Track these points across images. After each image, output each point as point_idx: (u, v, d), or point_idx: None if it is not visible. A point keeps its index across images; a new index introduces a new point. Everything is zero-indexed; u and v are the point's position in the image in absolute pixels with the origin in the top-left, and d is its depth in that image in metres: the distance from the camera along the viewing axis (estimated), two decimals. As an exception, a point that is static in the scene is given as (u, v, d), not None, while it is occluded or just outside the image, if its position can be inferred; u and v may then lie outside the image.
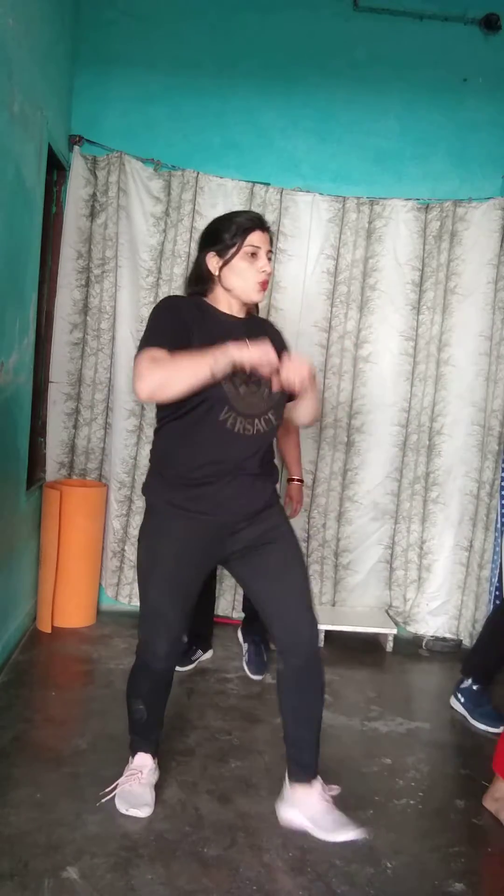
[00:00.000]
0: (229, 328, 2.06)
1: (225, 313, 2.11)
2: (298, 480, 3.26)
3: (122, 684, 3.03)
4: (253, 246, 2.06)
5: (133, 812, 2.19)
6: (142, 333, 3.87)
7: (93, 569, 3.73)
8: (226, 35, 3.79)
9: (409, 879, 2.05)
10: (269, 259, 2.12)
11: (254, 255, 2.07)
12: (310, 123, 3.86)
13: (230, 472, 2.06)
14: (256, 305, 2.48)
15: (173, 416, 2.06)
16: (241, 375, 1.98)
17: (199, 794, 2.36)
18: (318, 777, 2.23)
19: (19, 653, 3.29)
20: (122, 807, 2.20)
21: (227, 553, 2.17)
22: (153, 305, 3.69)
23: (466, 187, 3.86)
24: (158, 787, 2.35)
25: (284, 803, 2.24)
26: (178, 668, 3.07)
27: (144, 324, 3.97)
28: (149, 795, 2.25)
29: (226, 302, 2.12)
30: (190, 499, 2.07)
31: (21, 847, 2.02)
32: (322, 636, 3.71)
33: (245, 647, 3.41)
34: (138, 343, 2.04)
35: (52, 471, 3.82)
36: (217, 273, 2.08)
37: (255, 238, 2.07)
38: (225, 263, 2.07)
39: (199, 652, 3.36)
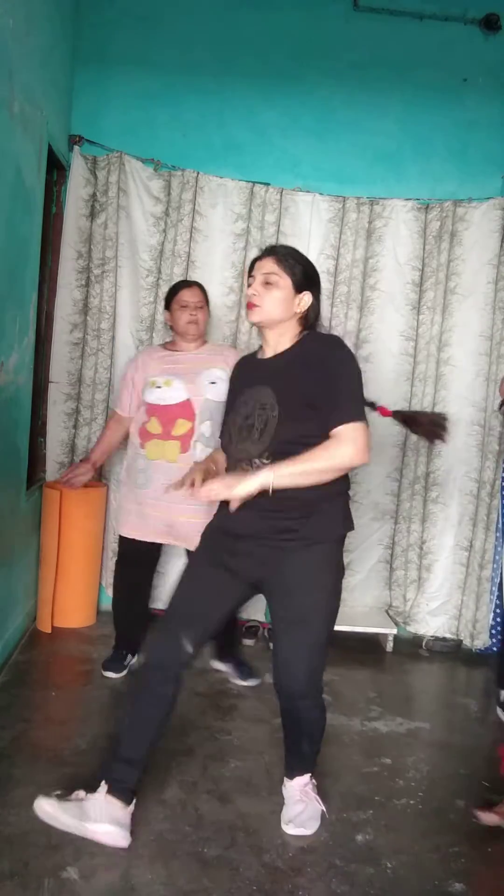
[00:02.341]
0: (252, 374, 2.22)
1: (256, 358, 2.28)
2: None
3: (122, 684, 3.06)
4: (250, 276, 2.17)
5: (86, 832, 2.03)
6: (142, 334, 3.89)
7: (93, 569, 3.73)
8: (226, 35, 3.79)
9: (409, 879, 2.06)
10: (273, 283, 2.12)
11: (249, 284, 2.17)
12: (310, 123, 3.86)
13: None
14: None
15: None
16: (237, 424, 2.11)
17: (199, 794, 2.36)
18: (305, 776, 2.29)
19: (19, 653, 3.29)
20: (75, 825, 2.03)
21: (257, 579, 2.13)
22: (153, 304, 3.74)
23: (466, 187, 3.86)
24: (158, 787, 2.35)
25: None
26: (110, 675, 3.10)
27: (144, 324, 3.98)
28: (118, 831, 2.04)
29: (264, 341, 2.23)
30: (219, 512, 2.22)
31: (21, 847, 2.02)
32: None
33: (225, 667, 3.26)
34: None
35: (52, 471, 3.82)
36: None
37: (253, 267, 2.17)
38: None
39: (130, 657, 3.23)
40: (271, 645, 2.24)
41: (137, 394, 3.11)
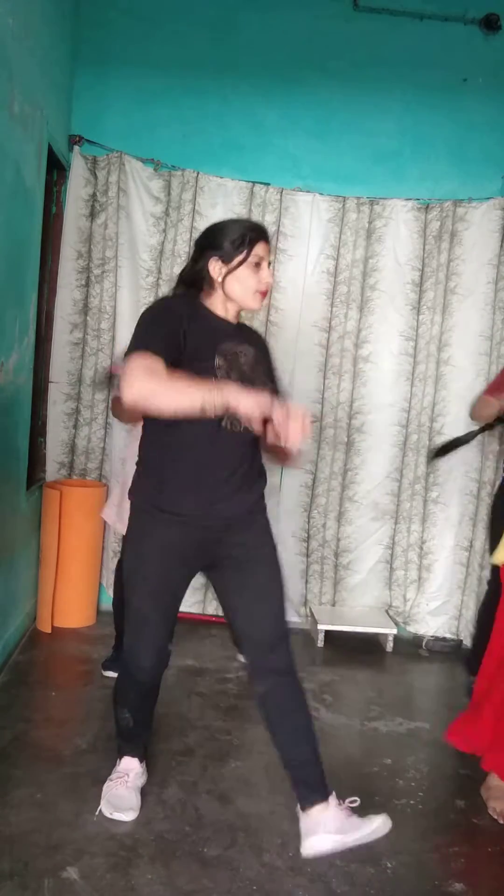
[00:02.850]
0: (224, 331, 2.06)
1: (220, 317, 2.09)
2: None
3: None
4: (258, 256, 2.05)
5: (118, 816, 2.17)
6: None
7: (93, 569, 3.73)
8: (226, 35, 3.79)
9: (409, 879, 2.06)
10: (271, 268, 2.12)
11: (258, 265, 2.06)
12: (310, 123, 3.86)
13: (216, 470, 2.03)
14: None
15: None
16: (235, 369, 2.00)
17: (199, 794, 2.36)
18: (333, 792, 2.10)
19: (19, 653, 3.29)
20: (107, 810, 2.18)
21: (211, 559, 2.13)
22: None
23: (466, 187, 3.86)
24: (158, 787, 2.35)
25: (305, 836, 2.05)
26: (110, 674, 3.08)
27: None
28: (135, 799, 2.23)
29: (222, 306, 2.09)
30: (175, 501, 2.03)
31: (21, 847, 2.02)
32: (322, 636, 3.72)
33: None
34: (129, 343, 1.95)
35: (52, 471, 3.82)
36: (220, 279, 2.06)
37: (261, 248, 2.06)
38: (230, 271, 2.04)
39: None
40: (240, 628, 2.16)
41: None
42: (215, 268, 2.05)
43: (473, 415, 3.35)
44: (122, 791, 2.23)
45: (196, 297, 2.09)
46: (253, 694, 2.20)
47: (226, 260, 2.04)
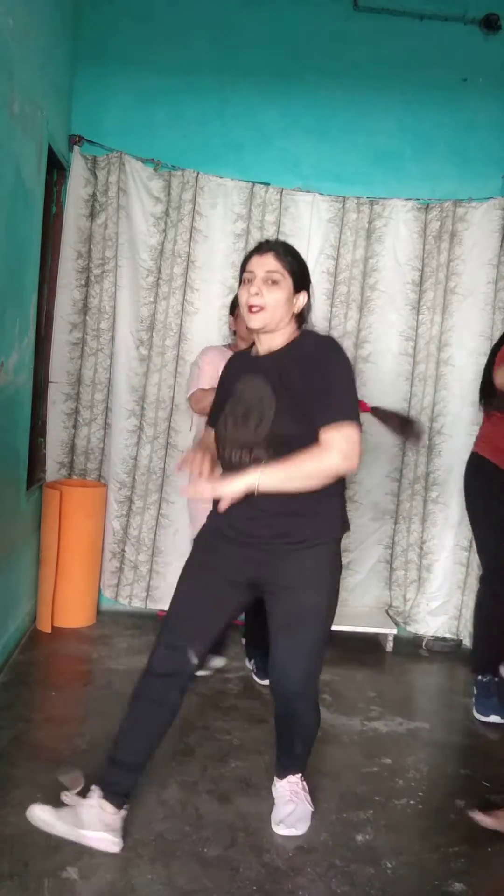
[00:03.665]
0: (245, 370, 2.14)
1: (248, 355, 2.18)
2: None
3: (122, 684, 3.05)
4: (248, 272, 2.03)
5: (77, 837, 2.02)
6: (142, 334, 3.86)
7: (93, 569, 3.73)
8: (226, 35, 3.79)
9: (409, 879, 2.05)
10: (276, 283, 2.00)
11: (249, 281, 2.02)
12: (310, 123, 3.86)
13: (243, 501, 1.97)
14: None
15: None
16: (236, 411, 2.05)
17: (199, 794, 2.36)
18: (295, 776, 2.29)
19: (19, 653, 3.29)
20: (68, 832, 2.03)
21: (252, 580, 2.10)
22: (153, 304, 3.74)
23: (466, 187, 3.86)
24: (158, 787, 2.35)
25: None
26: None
27: (144, 324, 3.99)
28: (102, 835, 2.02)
29: (258, 339, 2.11)
30: (214, 516, 2.13)
31: (21, 847, 2.02)
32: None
33: (251, 663, 3.32)
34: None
35: (52, 471, 3.82)
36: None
37: (251, 264, 2.03)
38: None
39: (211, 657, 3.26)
40: (270, 646, 2.19)
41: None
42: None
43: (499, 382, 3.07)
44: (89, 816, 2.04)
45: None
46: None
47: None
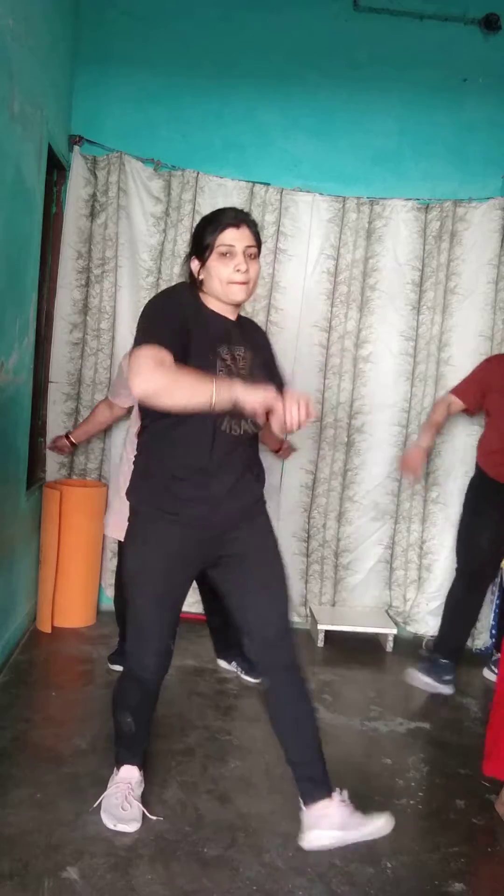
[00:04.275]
0: (223, 330, 2.03)
1: (218, 314, 2.06)
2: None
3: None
4: (225, 245, 1.97)
5: (122, 827, 2.12)
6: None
7: (93, 569, 3.73)
8: (226, 35, 3.79)
9: (409, 879, 2.06)
10: (253, 257, 2.00)
11: (227, 254, 1.97)
12: (310, 123, 3.85)
13: (217, 472, 2.01)
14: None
15: (161, 415, 1.95)
16: (234, 372, 1.98)
17: (199, 794, 2.36)
18: (336, 788, 2.13)
19: (19, 653, 3.29)
20: (109, 822, 2.14)
21: (212, 558, 2.12)
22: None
23: (466, 187, 3.86)
24: (159, 787, 2.35)
25: (306, 829, 2.09)
26: (117, 668, 3.06)
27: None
28: (137, 810, 2.18)
29: (217, 303, 2.05)
30: (177, 501, 2.01)
31: (21, 847, 2.02)
32: (322, 636, 3.72)
33: (233, 664, 3.30)
34: (136, 334, 1.94)
35: (52, 471, 3.82)
36: (199, 276, 2.03)
37: (228, 236, 1.97)
38: (202, 266, 2.01)
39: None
40: (245, 615, 2.15)
41: None
42: (194, 266, 2.04)
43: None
44: (123, 802, 2.18)
45: (198, 294, 2.07)
46: (259, 689, 2.23)
47: (200, 256, 2.02)
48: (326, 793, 2.09)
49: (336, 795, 2.10)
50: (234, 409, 1.83)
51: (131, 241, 3.75)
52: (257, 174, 3.80)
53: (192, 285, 2.08)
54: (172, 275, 3.73)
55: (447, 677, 3.30)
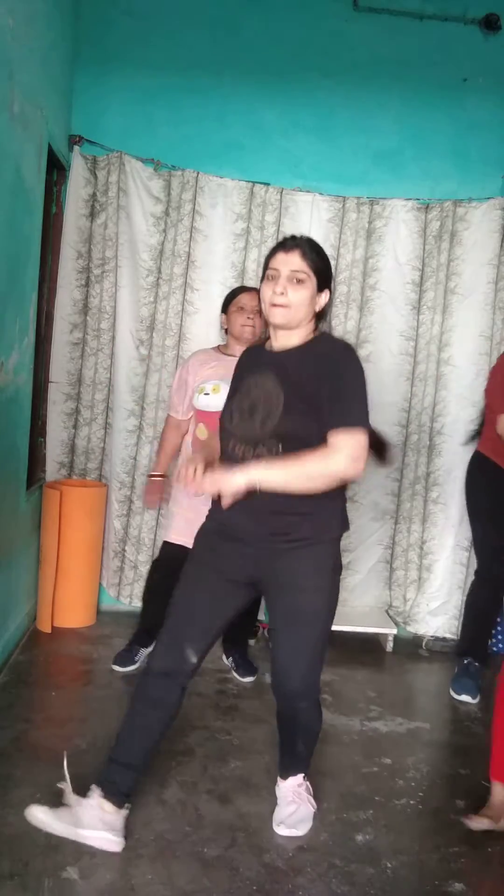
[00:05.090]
0: (256, 364, 2.11)
1: (265, 350, 2.12)
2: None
3: (122, 684, 3.06)
4: (272, 269, 2.02)
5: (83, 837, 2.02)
6: (142, 334, 3.85)
7: (93, 569, 3.73)
8: (226, 35, 3.79)
9: (409, 879, 2.06)
10: (301, 282, 1.99)
11: (272, 277, 2.02)
12: (310, 123, 3.85)
13: (243, 499, 1.96)
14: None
15: None
16: (242, 405, 2.04)
17: (199, 794, 2.36)
18: (298, 776, 2.28)
19: (19, 653, 3.29)
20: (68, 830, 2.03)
21: (253, 578, 2.11)
22: (153, 304, 3.74)
23: (466, 187, 3.85)
24: (159, 787, 2.35)
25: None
26: (118, 668, 3.14)
27: (144, 324, 3.99)
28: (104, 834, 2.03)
29: (273, 333, 2.09)
30: (215, 510, 2.12)
31: (21, 847, 2.02)
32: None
33: (230, 660, 3.33)
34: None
35: (52, 471, 3.82)
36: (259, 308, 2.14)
37: (276, 260, 2.02)
38: (259, 293, 2.10)
39: (142, 651, 3.24)
40: (270, 644, 2.23)
41: (189, 396, 3.12)
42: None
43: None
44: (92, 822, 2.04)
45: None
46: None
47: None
48: (281, 775, 2.31)
49: (291, 780, 2.28)
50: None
51: (131, 241, 3.75)
52: (257, 174, 3.80)
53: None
54: (172, 274, 3.73)
55: (480, 682, 3.30)
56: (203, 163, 3.75)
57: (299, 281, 1.99)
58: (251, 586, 2.14)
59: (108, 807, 2.04)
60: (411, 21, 3.83)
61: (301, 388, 1.97)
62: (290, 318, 2.00)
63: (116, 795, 2.06)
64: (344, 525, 2.13)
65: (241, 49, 3.80)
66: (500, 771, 2.34)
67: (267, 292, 2.02)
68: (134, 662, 3.19)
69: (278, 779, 2.32)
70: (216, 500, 2.07)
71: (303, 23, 3.81)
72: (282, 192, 3.78)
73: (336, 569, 2.14)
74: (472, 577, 3.83)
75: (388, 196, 3.82)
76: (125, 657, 3.20)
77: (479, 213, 3.79)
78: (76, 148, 3.70)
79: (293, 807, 2.23)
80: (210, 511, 2.17)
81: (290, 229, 3.78)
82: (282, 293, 1.98)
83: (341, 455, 1.90)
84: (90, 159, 3.72)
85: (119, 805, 2.06)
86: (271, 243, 3.72)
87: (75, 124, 3.75)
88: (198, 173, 3.72)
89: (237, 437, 2.03)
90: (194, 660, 2.06)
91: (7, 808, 2.18)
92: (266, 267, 2.05)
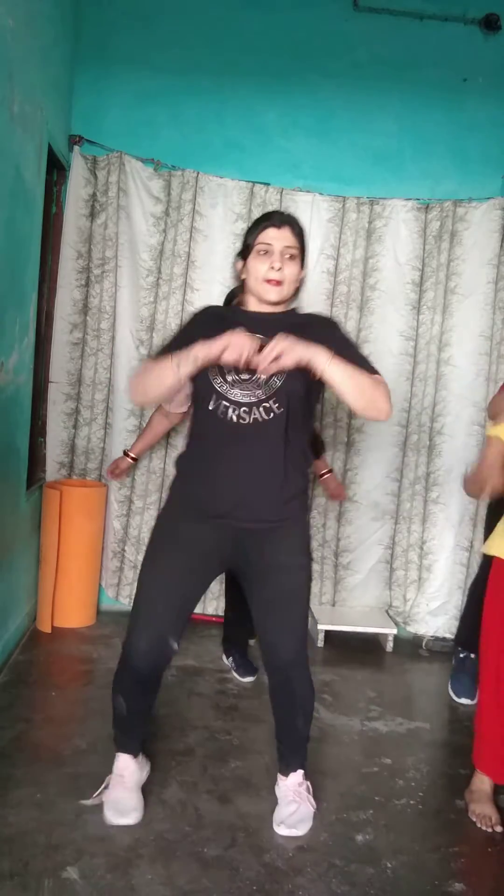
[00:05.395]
0: (255, 321, 2.03)
1: (252, 311, 2.10)
2: (327, 472, 3.54)
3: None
4: (264, 244, 2.02)
5: (122, 821, 2.14)
6: (142, 334, 3.87)
7: (93, 569, 3.73)
8: (226, 35, 3.79)
9: (409, 879, 2.06)
10: (293, 257, 2.03)
11: (266, 252, 2.02)
12: (310, 123, 3.85)
13: (232, 462, 2.01)
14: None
15: (193, 416, 2.13)
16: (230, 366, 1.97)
17: (199, 794, 2.36)
18: (299, 774, 2.27)
19: (19, 653, 3.29)
20: (111, 817, 2.15)
21: (234, 562, 2.13)
22: (153, 304, 3.75)
23: (466, 187, 3.85)
24: (159, 787, 2.35)
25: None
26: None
27: (144, 324, 4.00)
28: (135, 800, 2.20)
29: (254, 304, 2.10)
30: (194, 495, 2.07)
31: (21, 847, 2.02)
32: (322, 636, 3.72)
33: (230, 660, 3.34)
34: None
35: (52, 471, 3.82)
36: (241, 276, 2.10)
37: (268, 235, 2.03)
38: (244, 265, 2.08)
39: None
40: (256, 621, 2.21)
41: (185, 392, 3.12)
42: (238, 266, 2.12)
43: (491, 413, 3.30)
44: (121, 794, 2.20)
45: (235, 303, 2.16)
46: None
47: (244, 255, 2.08)
48: (281, 771, 2.30)
49: (292, 777, 2.26)
50: (227, 367, 1.93)
51: (131, 241, 3.75)
52: (257, 174, 3.80)
53: (237, 292, 2.17)
54: (172, 274, 3.73)
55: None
56: (203, 163, 3.75)
57: (292, 257, 2.03)
58: (223, 563, 2.20)
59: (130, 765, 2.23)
60: (411, 21, 3.83)
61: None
62: (284, 294, 2.04)
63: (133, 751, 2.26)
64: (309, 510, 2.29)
65: (241, 49, 3.80)
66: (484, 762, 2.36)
67: (261, 268, 2.02)
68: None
69: (279, 777, 2.31)
70: (193, 476, 2.07)
71: (303, 23, 3.81)
72: (282, 193, 3.79)
73: (309, 537, 2.25)
74: (472, 577, 3.85)
75: (388, 196, 3.82)
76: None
77: (479, 213, 3.79)
78: (76, 148, 3.70)
79: (293, 806, 2.23)
80: (185, 491, 2.12)
81: (290, 229, 3.79)
82: (280, 268, 2.01)
83: (386, 390, 2.00)
84: (90, 159, 3.72)
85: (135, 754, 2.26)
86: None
87: (75, 124, 3.75)
88: (198, 173, 3.72)
89: (230, 400, 2.00)
90: (176, 647, 2.12)
91: (7, 808, 2.18)
92: (254, 242, 2.04)
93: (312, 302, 3.80)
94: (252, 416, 2.00)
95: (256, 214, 3.74)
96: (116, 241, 3.73)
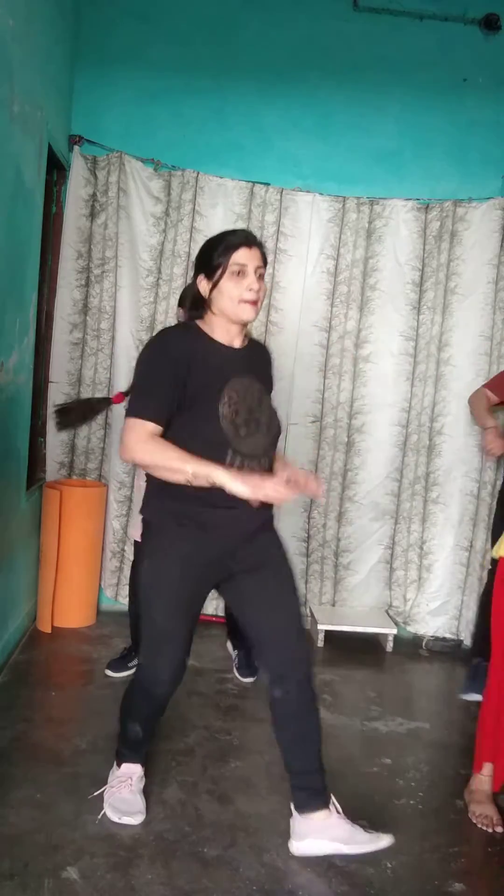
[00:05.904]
0: (229, 363, 2.03)
1: (221, 344, 2.05)
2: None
3: (122, 684, 3.04)
4: (238, 264, 1.98)
5: (126, 820, 2.16)
6: (142, 334, 3.81)
7: (93, 569, 3.73)
8: (226, 35, 3.79)
9: (409, 879, 2.06)
10: (261, 277, 2.02)
11: (240, 273, 1.99)
12: (310, 123, 3.85)
13: (232, 498, 1.94)
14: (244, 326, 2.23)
15: (175, 433, 1.97)
16: (240, 417, 1.97)
17: (199, 794, 2.36)
18: (332, 798, 2.12)
19: (19, 653, 3.29)
20: (114, 816, 2.16)
21: (226, 573, 2.13)
22: (153, 304, 3.74)
23: (466, 187, 3.85)
24: (159, 787, 2.35)
25: (299, 837, 2.09)
26: (111, 674, 3.13)
27: (144, 324, 3.98)
28: (140, 802, 2.22)
29: (221, 328, 2.04)
30: (193, 518, 2.01)
31: (21, 847, 2.02)
32: (322, 636, 3.72)
33: (234, 653, 3.34)
34: (130, 393, 2.04)
35: (52, 471, 3.82)
36: (208, 296, 2.03)
37: (242, 255, 1.98)
38: (214, 286, 2.01)
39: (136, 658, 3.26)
40: (257, 625, 2.18)
41: None
42: (202, 286, 2.03)
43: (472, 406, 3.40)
44: (127, 795, 2.21)
45: (198, 327, 2.06)
46: (268, 696, 2.14)
47: (209, 275, 2.01)
48: (324, 804, 2.09)
49: (333, 808, 2.10)
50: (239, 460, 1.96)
51: (131, 241, 3.75)
52: (257, 174, 3.80)
53: (194, 307, 2.09)
54: (172, 275, 3.73)
55: None
56: (203, 163, 3.75)
57: (261, 276, 2.04)
58: (221, 573, 2.15)
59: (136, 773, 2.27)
60: (411, 21, 3.83)
61: (270, 388, 2.17)
62: (256, 313, 2.05)
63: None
64: None
65: (241, 49, 3.80)
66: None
67: (236, 289, 1.98)
68: (128, 669, 3.16)
69: (313, 813, 2.08)
70: (194, 510, 2.01)
71: (303, 23, 3.81)
72: (282, 192, 3.78)
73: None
74: (472, 577, 3.85)
75: (388, 196, 3.82)
76: (119, 664, 3.19)
77: (479, 213, 3.79)
78: (76, 148, 3.70)
79: (356, 826, 2.09)
80: (181, 509, 2.03)
81: (289, 229, 3.79)
82: (258, 289, 2.01)
83: None
84: (90, 159, 3.72)
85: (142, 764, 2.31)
86: (271, 243, 3.74)
87: (75, 124, 3.75)
88: (198, 173, 3.72)
89: (244, 453, 1.97)
90: (187, 662, 2.22)
91: (7, 808, 2.18)
92: (226, 262, 1.98)
93: (312, 302, 3.82)
94: (261, 468, 2.03)
95: (256, 214, 3.75)
96: (116, 241, 3.73)
